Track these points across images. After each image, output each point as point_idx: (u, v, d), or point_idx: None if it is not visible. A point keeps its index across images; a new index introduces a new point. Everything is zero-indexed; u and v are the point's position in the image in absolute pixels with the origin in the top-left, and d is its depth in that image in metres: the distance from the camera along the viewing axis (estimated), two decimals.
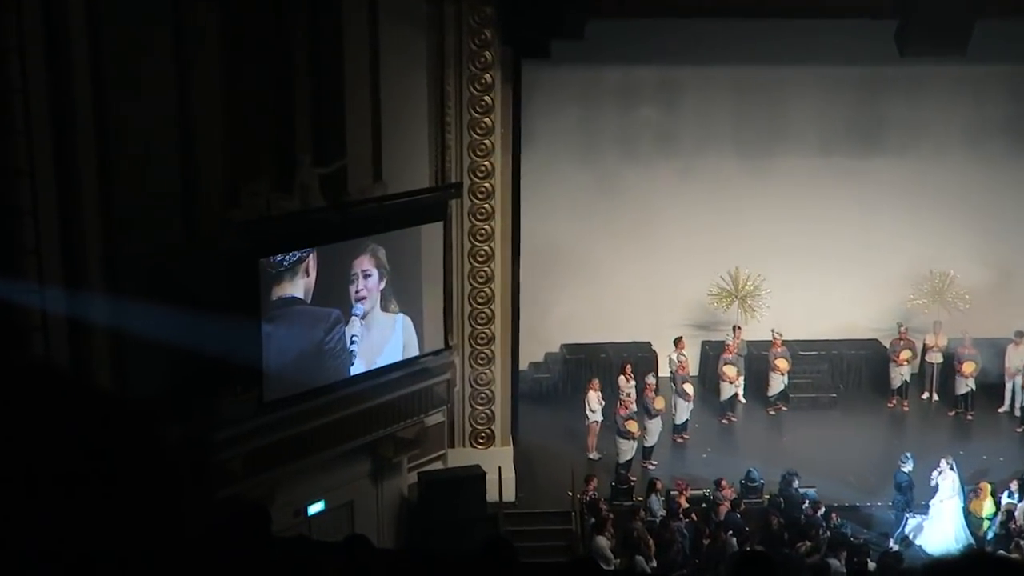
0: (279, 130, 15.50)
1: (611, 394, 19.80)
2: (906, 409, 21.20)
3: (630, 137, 21.61)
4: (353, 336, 15.11)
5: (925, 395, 21.47)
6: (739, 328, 20.95)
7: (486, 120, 17.30)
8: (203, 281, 13.81)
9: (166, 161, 13.85)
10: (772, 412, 21.09)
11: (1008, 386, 20.71)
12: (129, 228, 13.42)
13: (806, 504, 17.32)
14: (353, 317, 15.10)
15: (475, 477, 16.91)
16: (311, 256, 14.45)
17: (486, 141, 17.37)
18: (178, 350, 13.62)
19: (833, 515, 17.08)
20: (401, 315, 15.72)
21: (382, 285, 15.39)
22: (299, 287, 14.42)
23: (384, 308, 15.55)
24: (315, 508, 15.64)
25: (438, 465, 17.78)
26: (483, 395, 18.40)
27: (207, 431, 13.74)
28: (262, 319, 14.00)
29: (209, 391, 13.90)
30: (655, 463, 19.16)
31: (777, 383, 20.99)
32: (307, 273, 14.46)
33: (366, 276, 15.20)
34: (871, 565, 15.91)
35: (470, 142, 17.33)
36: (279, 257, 14.11)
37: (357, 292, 15.11)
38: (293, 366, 14.42)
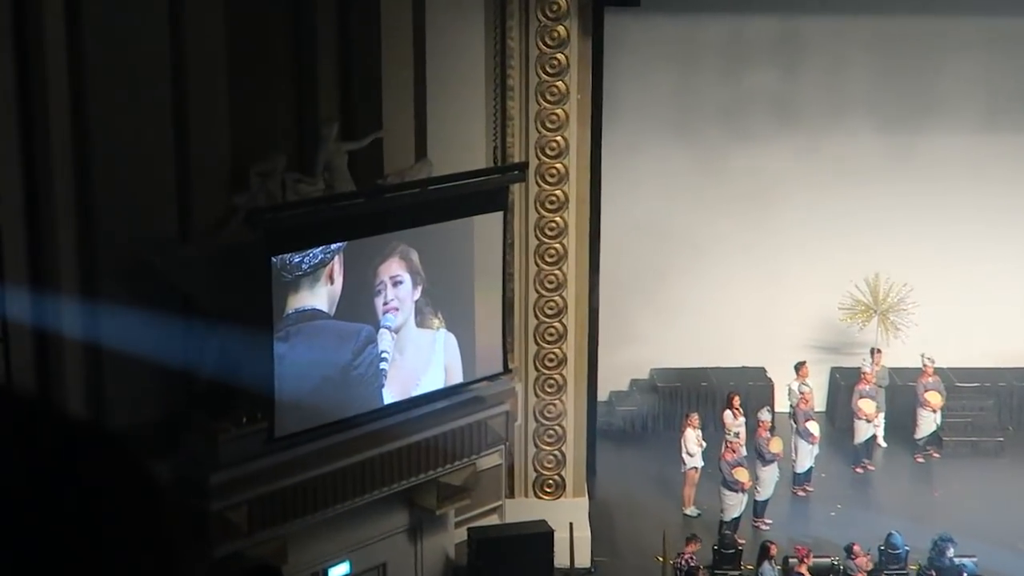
0: (299, 95, 15.51)
1: (714, 433, 19.68)
2: None
3: (740, 107, 21.52)
4: (383, 353, 15.06)
5: None
6: (879, 352, 20.75)
7: (559, 84, 17.21)
8: (201, 284, 13.84)
9: (157, 134, 13.89)
10: (921, 459, 20.86)
11: None
12: (110, 216, 13.46)
13: None
14: (383, 330, 15.05)
15: (540, 536, 16.84)
16: (336, 258, 14.43)
17: (558, 111, 17.28)
18: (169, 370, 13.65)
19: None
20: (442, 331, 15.65)
21: (416, 294, 15.35)
22: (321, 297, 14.41)
23: (420, 323, 15.48)
24: (338, 571, 15.65)
25: (493, 520, 17.70)
26: (551, 432, 18.32)
27: (204, 472, 13.74)
28: (274, 335, 13.99)
29: (207, 422, 13.91)
30: (769, 522, 19.01)
31: (928, 422, 20.76)
32: (331, 279, 14.45)
33: (396, 283, 15.16)
34: None
35: (538, 112, 17.25)
36: (296, 258, 14.10)
37: (386, 304, 15.07)
38: (312, 395, 14.41)
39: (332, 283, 14.49)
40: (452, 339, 15.81)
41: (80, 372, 13.40)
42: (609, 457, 20.18)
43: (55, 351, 13.09)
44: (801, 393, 19.99)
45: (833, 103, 21.60)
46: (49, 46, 12.90)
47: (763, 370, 21.67)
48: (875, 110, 21.63)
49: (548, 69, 17.16)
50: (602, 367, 19.33)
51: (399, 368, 15.32)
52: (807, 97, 21.61)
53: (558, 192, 17.56)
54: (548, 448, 18.36)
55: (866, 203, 21.52)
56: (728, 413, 19.57)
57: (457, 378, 15.96)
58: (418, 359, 15.57)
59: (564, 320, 17.95)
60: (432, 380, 15.74)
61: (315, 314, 14.41)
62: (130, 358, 13.18)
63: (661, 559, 17.64)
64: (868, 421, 20.48)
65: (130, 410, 13.34)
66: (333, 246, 14.44)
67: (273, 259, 13.95)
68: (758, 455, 18.96)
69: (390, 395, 15.28)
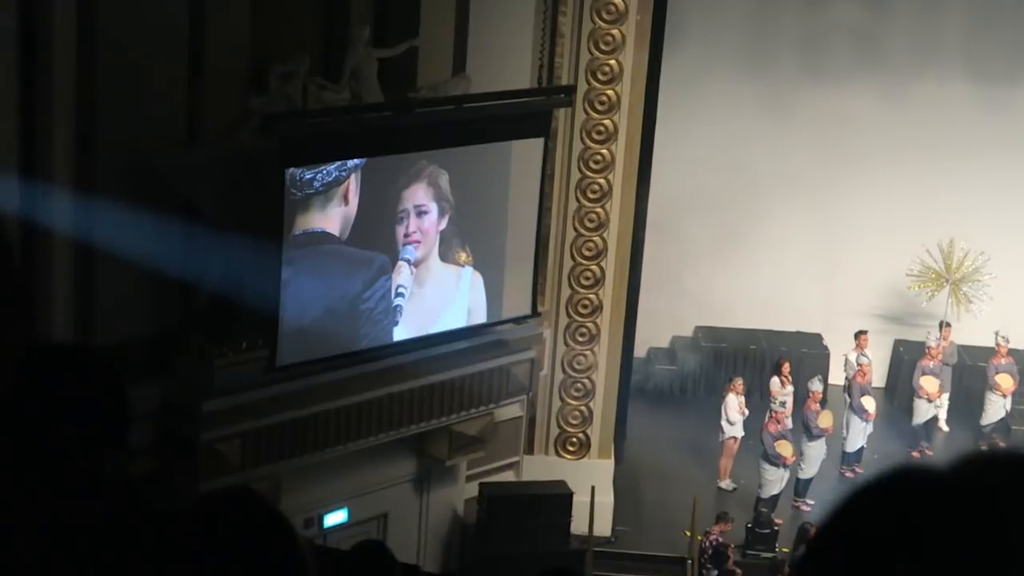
0: None
1: (760, 402, 19.73)
2: None
3: (819, 44, 21.43)
4: (400, 287, 15.12)
5: None
6: (948, 326, 20.73)
7: (616, 2, 17.18)
8: (207, 193, 13.91)
9: (169, 26, 13.91)
10: (985, 447, 20.80)
11: None
12: (113, 109, 13.54)
13: None
14: (401, 262, 15.11)
15: (558, 497, 16.97)
16: (352, 177, 14.45)
17: (614, 31, 17.25)
18: (166, 282, 13.78)
19: None
20: (468, 268, 15.70)
21: (443, 225, 15.38)
22: (334, 219, 14.45)
23: (444, 257, 15.53)
24: (335, 518, 15.80)
25: (509, 476, 17.84)
26: (579, 386, 18.40)
27: (196, 398, 13.90)
28: (281, 258, 14.09)
29: (203, 344, 14.04)
30: (811, 503, 19.10)
31: (996, 407, 20.75)
32: (345, 200, 14.48)
33: (420, 213, 15.17)
34: None
35: (592, 31, 17.22)
36: (308, 174, 14.13)
37: (408, 236, 15.11)
38: (316, 326, 14.50)
39: (347, 204, 14.50)
40: (479, 279, 15.85)
41: (69, 273, 13.49)
42: (642, 419, 20.31)
43: (42, 247, 13.17)
44: (859, 365, 19.99)
45: (924, 45, 21.46)
46: None
47: (819, 337, 21.69)
48: (970, 57, 21.48)
49: None
50: (642, 320, 19.40)
51: (417, 304, 15.37)
52: (894, 37, 21.48)
53: (607, 122, 17.55)
54: (574, 403, 18.45)
55: (950, 159, 21.41)
56: (775, 380, 19.62)
57: (481, 320, 16.04)
58: (439, 296, 15.63)
59: (603, 263, 17.99)
60: (453, 320, 15.81)
61: (325, 237, 14.44)
62: (125, 265, 13.27)
63: (689, 533, 17.73)
64: (929, 401, 20.47)
65: (121, 321, 13.46)
66: (350, 163, 14.45)
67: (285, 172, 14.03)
68: (805, 429, 19.00)
69: (404, 333, 15.36)
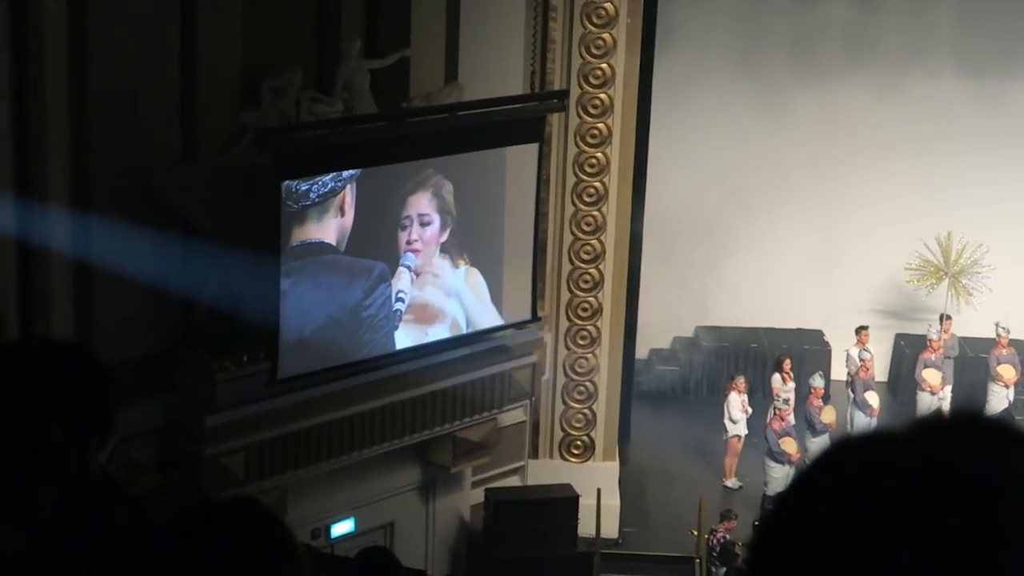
0: (319, 5, 15.54)
1: (762, 399, 19.74)
2: None
3: (810, 41, 21.46)
4: (400, 293, 15.13)
5: None
6: (948, 318, 20.74)
7: (607, 6, 17.21)
8: (203, 208, 13.93)
9: (161, 44, 13.93)
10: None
11: None
12: (107, 128, 13.56)
13: None
14: (401, 268, 15.12)
15: (564, 501, 16.96)
16: (348, 188, 14.47)
17: (605, 35, 17.28)
18: (165, 299, 13.80)
19: None
20: (464, 268, 15.70)
21: (444, 236, 15.39)
22: (330, 230, 14.45)
23: (443, 264, 15.56)
24: (341, 528, 15.80)
25: (514, 481, 17.84)
26: (582, 389, 18.41)
27: (199, 414, 13.90)
28: (279, 269, 14.10)
29: (205, 359, 14.05)
30: None
31: (999, 398, 20.76)
32: (341, 211, 14.48)
33: (424, 224, 15.18)
34: None
35: (583, 35, 17.25)
36: (304, 186, 14.14)
37: (409, 243, 15.13)
38: (317, 336, 14.50)
39: (342, 215, 14.50)
40: (476, 274, 15.86)
41: (67, 293, 13.50)
42: (645, 420, 20.33)
43: (40, 267, 13.19)
44: (861, 360, 20.01)
45: (914, 40, 21.49)
46: None
47: (820, 333, 21.72)
48: (961, 51, 21.51)
49: None
50: (642, 322, 19.44)
51: (417, 308, 15.40)
52: (885, 34, 21.51)
53: (600, 125, 17.57)
54: (577, 406, 18.46)
55: (944, 153, 21.47)
56: (777, 377, 19.65)
57: (480, 321, 16.04)
58: (438, 299, 15.64)
59: (601, 266, 18.01)
60: (453, 322, 15.81)
61: (323, 247, 14.44)
62: (123, 283, 13.29)
63: (696, 533, 17.73)
64: (932, 393, 20.49)
65: (121, 339, 13.47)
66: (345, 174, 14.46)
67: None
68: (808, 425, 19.03)
69: (405, 338, 15.37)
